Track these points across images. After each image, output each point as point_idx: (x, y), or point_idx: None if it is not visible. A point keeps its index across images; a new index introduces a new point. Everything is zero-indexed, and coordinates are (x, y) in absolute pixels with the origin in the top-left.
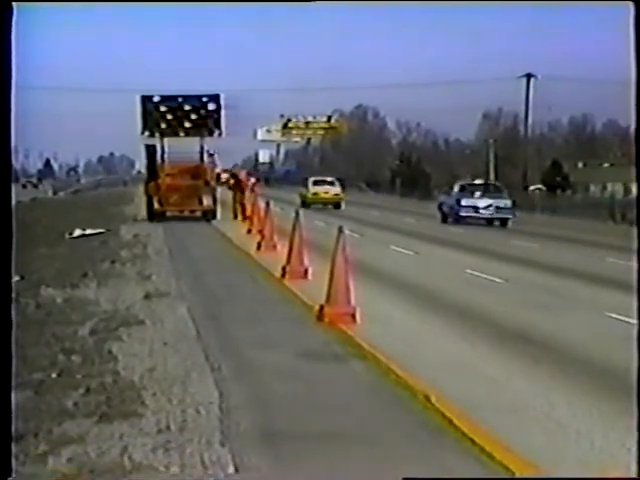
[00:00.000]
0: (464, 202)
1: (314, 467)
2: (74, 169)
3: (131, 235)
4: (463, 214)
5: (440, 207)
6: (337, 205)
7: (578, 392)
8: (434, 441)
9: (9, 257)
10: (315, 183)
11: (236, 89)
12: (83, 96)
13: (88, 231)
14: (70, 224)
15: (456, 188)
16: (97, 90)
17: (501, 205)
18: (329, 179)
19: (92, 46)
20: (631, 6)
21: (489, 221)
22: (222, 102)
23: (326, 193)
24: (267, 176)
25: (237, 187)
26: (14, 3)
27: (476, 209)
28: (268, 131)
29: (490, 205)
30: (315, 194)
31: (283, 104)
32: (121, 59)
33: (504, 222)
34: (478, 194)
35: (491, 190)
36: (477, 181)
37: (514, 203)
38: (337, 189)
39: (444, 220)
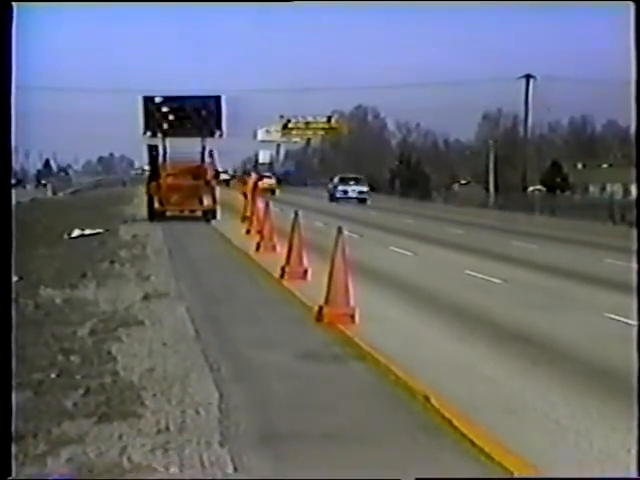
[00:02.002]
0: (339, 188)
1: (313, 468)
2: (64, 170)
3: (130, 235)
4: (338, 195)
5: (328, 191)
6: (272, 191)
7: (577, 392)
8: (433, 442)
9: (9, 257)
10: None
11: (236, 89)
12: (83, 96)
13: (87, 231)
14: (69, 224)
15: (336, 179)
16: (97, 90)
17: (362, 190)
18: (267, 174)
19: (92, 46)
20: (631, 6)
21: (357, 200)
22: (223, 103)
23: (263, 184)
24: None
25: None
26: (14, 3)
27: (345, 192)
28: (268, 131)
29: (354, 190)
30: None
31: (283, 104)
32: (121, 59)
33: (363, 200)
34: (349, 183)
35: (356, 180)
36: (350, 175)
37: (372, 188)
38: (272, 181)
39: (330, 200)
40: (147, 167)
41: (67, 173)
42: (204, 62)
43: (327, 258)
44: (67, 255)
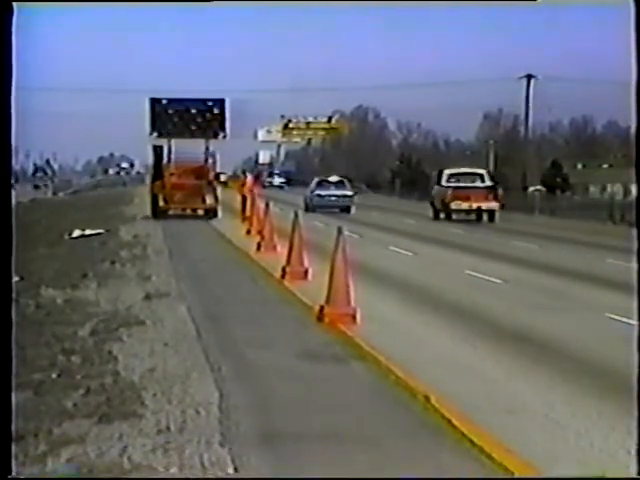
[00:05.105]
0: (267, 179)
1: (313, 468)
2: (43, 170)
3: (131, 236)
4: (266, 185)
5: (261, 182)
6: (225, 183)
7: (577, 393)
8: (434, 442)
9: (9, 257)
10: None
11: (237, 89)
12: (83, 96)
13: (87, 232)
14: (69, 224)
15: (265, 174)
16: (97, 90)
17: (282, 181)
18: (225, 173)
19: (92, 46)
20: (631, 6)
21: (279, 187)
22: (227, 106)
23: (222, 178)
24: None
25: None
26: (14, 3)
27: (271, 182)
28: (269, 132)
29: (277, 181)
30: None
31: (284, 105)
32: (121, 59)
33: (282, 187)
34: (274, 176)
35: (279, 174)
36: (276, 171)
37: (289, 181)
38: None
39: (262, 187)
40: (125, 165)
41: (46, 173)
42: (204, 62)
43: (328, 258)
44: (68, 255)
